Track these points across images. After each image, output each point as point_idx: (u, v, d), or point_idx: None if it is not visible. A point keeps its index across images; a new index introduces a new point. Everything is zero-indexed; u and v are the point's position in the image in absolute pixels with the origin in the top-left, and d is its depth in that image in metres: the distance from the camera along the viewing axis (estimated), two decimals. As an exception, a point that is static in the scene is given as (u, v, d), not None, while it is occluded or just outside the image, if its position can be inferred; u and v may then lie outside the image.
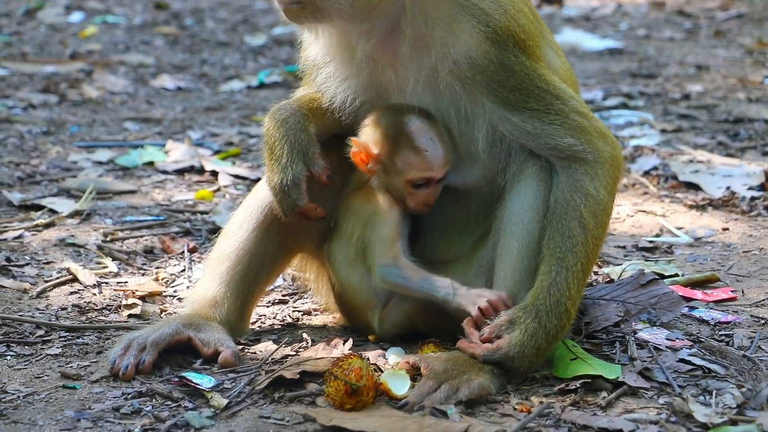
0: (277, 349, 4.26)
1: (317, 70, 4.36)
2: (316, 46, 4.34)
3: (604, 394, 3.90)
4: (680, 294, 4.66)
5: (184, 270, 5.26)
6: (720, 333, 4.43)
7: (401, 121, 4.17)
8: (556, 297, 3.98)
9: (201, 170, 6.89)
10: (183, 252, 5.47)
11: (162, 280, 5.13)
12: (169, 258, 5.45)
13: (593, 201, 4.04)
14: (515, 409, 3.83)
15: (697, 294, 4.82)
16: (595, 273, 5.10)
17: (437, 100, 4.15)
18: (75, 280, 5.06)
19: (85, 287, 5.00)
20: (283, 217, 4.22)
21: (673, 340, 4.31)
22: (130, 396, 3.92)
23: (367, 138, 4.23)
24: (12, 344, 4.37)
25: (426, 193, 4.23)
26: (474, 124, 4.14)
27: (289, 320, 4.72)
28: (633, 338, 4.30)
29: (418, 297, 4.22)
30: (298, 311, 4.81)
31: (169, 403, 3.88)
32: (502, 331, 3.98)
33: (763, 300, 4.79)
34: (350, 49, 4.18)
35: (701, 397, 3.86)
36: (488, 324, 4.00)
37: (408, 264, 4.24)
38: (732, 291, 4.87)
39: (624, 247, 5.52)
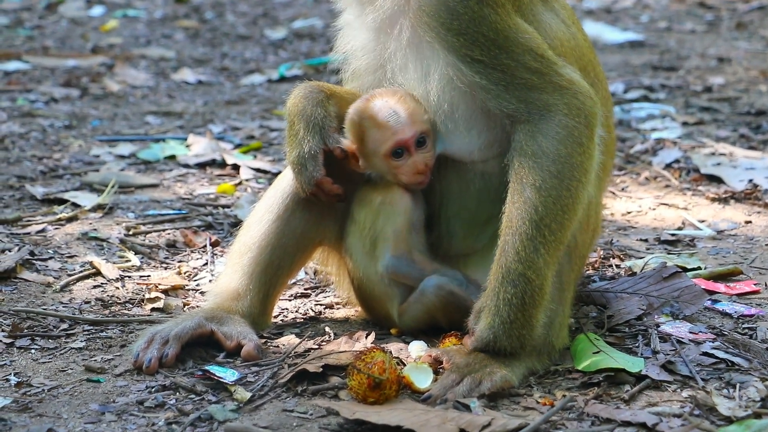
0: (299, 343, 4.27)
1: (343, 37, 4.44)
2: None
3: (627, 387, 3.90)
4: (703, 287, 4.65)
5: (206, 264, 5.28)
6: (743, 326, 4.42)
7: (366, 106, 4.26)
8: (506, 266, 3.93)
9: (222, 164, 6.90)
10: (205, 246, 5.48)
11: (184, 273, 5.15)
12: (192, 252, 5.46)
13: (532, 156, 3.95)
14: (538, 402, 3.83)
15: (720, 287, 4.81)
16: (618, 266, 5.09)
17: (413, 55, 4.16)
18: (98, 273, 5.08)
19: (108, 281, 5.01)
20: (302, 191, 4.27)
21: (696, 333, 4.30)
22: (153, 389, 3.94)
23: (346, 132, 4.32)
24: (36, 338, 4.39)
25: (412, 161, 4.25)
26: (428, 75, 4.14)
27: (312, 314, 4.72)
28: (656, 331, 4.29)
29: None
30: (321, 305, 4.81)
31: (192, 396, 3.90)
32: (476, 321, 3.99)
33: (787, 293, 4.78)
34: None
35: (725, 391, 3.86)
36: None
37: (420, 255, 4.26)
38: (755, 284, 4.85)
39: (646, 240, 5.51)
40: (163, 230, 5.70)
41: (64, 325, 4.51)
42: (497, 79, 3.99)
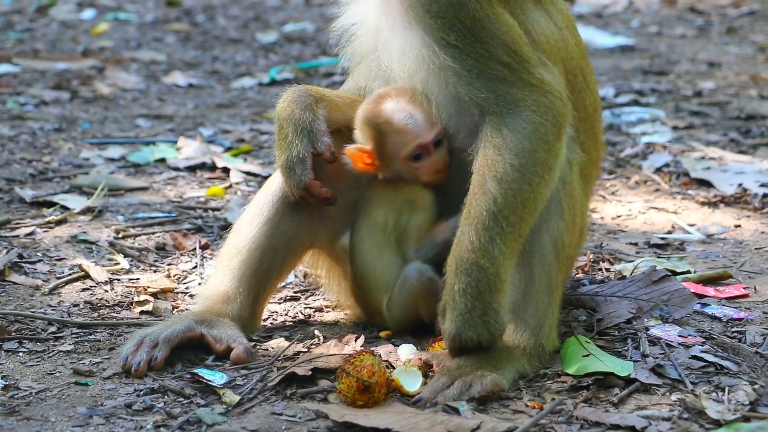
0: (289, 346, 4.27)
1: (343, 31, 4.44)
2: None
3: (616, 390, 3.90)
4: (692, 291, 4.65)
5: (195, 267, 5.27)
6: (732, 330, 4.43)
7: (378, 109, 4.26)
8: (460, 255, 3.93)
9: (213, 167, 6.90)
10: (195, 249, 5.48)
11: (174, 276, 5.14)
12: (181, 255, 5.45)
13: (495, 149, 3.95)
14: (527, 405, 3.83)
15: (710, 291, 4.81)
16: (607, 270, 5.09)
17: (405, 41, 4.15)
18: (87, 276, 5.07)
19: (97, 284, 5.00)
20: (291, 195, 4.28)
21: (686, 337, 4.30)
22: (142, 392, 3.93)
23: (357, 140, 4.31)
24: (24, 341, 4.38)
25: (431, 161, 4.28)
26: (405, 54, 4.14)
27: (301, 317, 4.72)
28: (645, 335, 4.30)
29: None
30: (310, 308, 4.81)
31: (181, 399, 3.89)
32: (443, 320, 4.00)
33: (776, 297, 4.78)
34: None
35: (714, 394, 3.86)
36: None
37: (437, 230, 4.32)
38: (744, 288, 4.85)
39: (636, 244, 5.51)
40: (153, 233, 5.69)
41: (53, 328, 4.50)
42: (470, 66, 3.99)
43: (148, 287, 4.93)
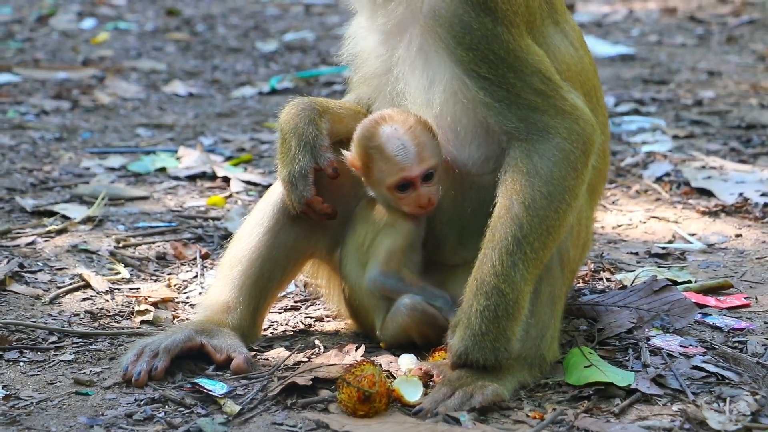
0: (289, 356, 4.26)
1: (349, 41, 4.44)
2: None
3: (617, 401, 3.89)
4: (693, 300, 4.65)
5: (196, 276, 5.27)
6: (733, 340, 4.42)
7: (375, 132, 4.23)
8: (481, 278, 3.93)
9: (213, 176, 6.90)
10: (195, 258, 5.47)
11: (174, 286, 5.14)
12: (182, 264, 5.45)
13: (525, 175, 3.95)
14: (528, 416, 3.82)
15: (711, 300, 4.81)
16: (608, 280, 5.09)
17: (421, 65, 4.15)
18: (87, 286, 5.07)
19: (97, 293, 5.00)
20: (292, 209, 4.29)
21: (687, 347, 4.30)
22: (142, 402, 3.92)
23: (352, 152, 4.31)
24: (25, 350, 4.38)
25: (416, 194, 4.24)
26: (433, 85, 4.13)
27: (302, 326, 4.72)
28: (646, 345, 4.29)
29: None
30: (311, 317, 4.81)
31: (181, 409, 3.88)
32: (452, 335, 3.99)
33: (777, 307, 4.78)
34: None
35: (715, 404, 3.85)
36: None
37: (410, 274, 4.27)
38: (745, 297, 4.85)
39: (637, 254, 5.51)
40: (153, 243, 5.68)
41: (53, 338, 4.50)
42: (501, 97, 3.98)
43: (149, 297, 4.92)
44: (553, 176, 3.96)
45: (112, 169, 7.06)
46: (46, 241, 5.64)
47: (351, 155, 4.30)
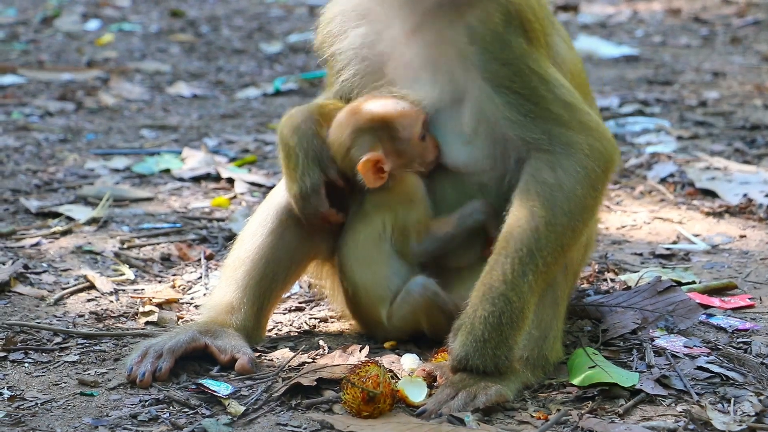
0: (294, 356, 4.27)
1: (329, 53, 4.43)
2: (330, 23, 4.43)
3: (621, 401, 3.89)
4: (697, 301, 4.65)
5: (200, 277, 5.27)
6: (738, 340, 4.42)
7: (369, 111, 4.27)
8: (489, 284, 3.94)
9: (217, 177, 6.90)
10: (199, 259, 5.48)
11: (179, 287, 5.14)
12: (186, 265, 5.46)
13: (549, 188, 3.98)
14: (532, 416, 3.82)
15: (715, 301, 4.81)
16: (612, 280, 5.09)
17: (434, 73, 4.17)
18: (92, 287, 5.07)
19: (102, 294, 5.01)
20: (305, 222, 4.30)
21: (691, 348, 4.30)
22: (147, 403, 3.93)
23: (362, 155, 4.27)
24: (30, 351, 4.38)
25: (430, 138, 4.27)
26: (464, 102, 4.14)
27: (306, 327, 4.72)
28: (650, 345, 4.29)
29: (461, 237, 4.31)
30: (315, 318, 4.81)
31: (186, 410, 3.89)
32: (454, 338, 3.99)
33: (781, 307, 4.78)
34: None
35: (719, 405, 3.85)
36: None
37: (438, 224, 4.31)
38: (750, 298, 4.85)
39: (641, 255, 5.51)
40: (158, 244, 5.69)
41: (58, 339, 4.50)
42: (527, 110, 4.04)
43: (153, 298, 4.93)
44: (575, 194, 4.00)
45: (117, 171, 7.06)
46: (50, 242, 5.65)
47: (361, 150, 4.27)
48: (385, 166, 4.27)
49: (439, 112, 4.22)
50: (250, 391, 4.01)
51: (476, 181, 4.26)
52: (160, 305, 4.88)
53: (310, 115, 4.31)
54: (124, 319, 4.76)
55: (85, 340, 4.50)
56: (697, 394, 3.94)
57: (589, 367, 4.04)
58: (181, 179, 6.89)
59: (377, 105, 4.26)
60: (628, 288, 4.88)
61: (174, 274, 5.33)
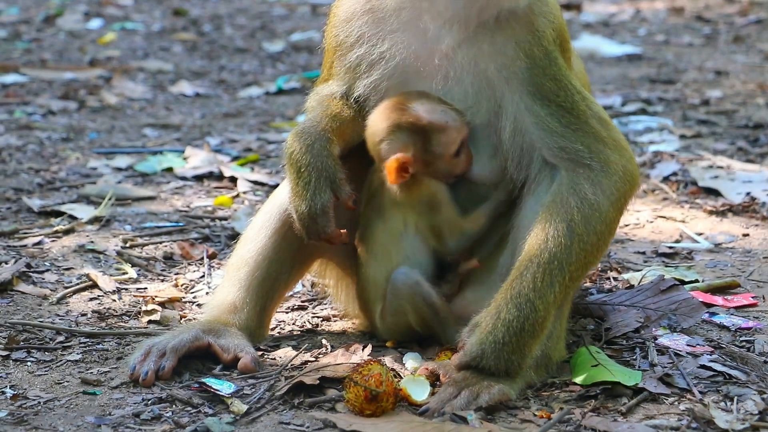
0: (296, 355, 4.26)
1: (347, 50, 4.32)
2: (354, 19, 4.31)
3: (624, 400, 3.89)
4: (700, 300, 4.65)
5: (203, 276, 5.27)
6: (741, 339, 4.42)
7: (414, 114, 4.21)
8: (517, 289, 3.95)
9: (220, 176, 6.90)
10: (202, 258, 5.48)
11: (181, 286, 5.14)
12: (189, 264, 5.46)
13: (589, 206, 4.03)
14: (535, 415, 3.82)
15: (718, 300, 4.81)
16: (615, 279, 5.09)
17: (472, 86, 4.18)
18: (95, 286, 5.07)
19: (104, 293, 5.01)
20: (307, 240, 4.22)
21: (694, 346, 4.30)
22: (150, 402, 3.93)
23: (392, 151, 4.24)
24: (32, 350, 4.38)
25: (465, 153, 4.28)
26: (502, 114, 4.15)
27: (309, 326, 4.72)
28: (653, 344, 4.29)
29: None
30: (318, 317, 4.81)
31: (189, 409, 3.89)
32: (470, 334, 3.99)
33: (784, 306, 4.77)
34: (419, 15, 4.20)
35: (722, 403, 3.85)
36: None
37: (470, 223, 4.33)
38: (753, 297, 4.85)
39: (644, 253, 5.50)
40: (160, 242, 5.69)
41: (61, 338, 4.50)
42: (568, 123, 4.10)
43: (156, 296, 4.93)
44: (609, 217, 4.09)
45: (119, 170, 7.07)
46: (53, 241, 5.65)
47: (402, 150, 4.24)
48: (410, 168, 4.26)
49: (476, 125, 4.23)
50: (253, 389, 4.01)
51: (487, 188, 4.29)
52: (162, 304, 4.88)
53: (324, 134, 4.24)
54: (127, 318, 4.76)
55: (88, 339, 4.50)
56: (700, 392, 3.93)
57: (592, 366, 4.04)
58: (183, 178, 6.89)
59: (424, 109, 4.22)
60: (631, 287, 4.88)
61: (177, 273, 5.33)
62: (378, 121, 4.26)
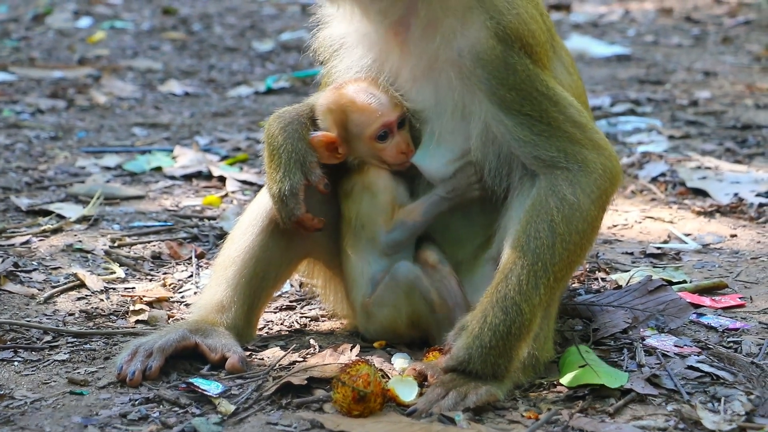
0: (284, 355, 4.26)
1: (332, 53, 4.41)
2: (334, 26, 4.43)
3: (612, 401, 3.89)
4: (688, 300, 4.65)
5: (191, 276, 5.26)
6: (728, 340, 4.42)
7: (340, 93, 4.27)
8: (503, 292, 3.94)
9: (209, 176, 6.90)
10: (190, 258, 5.47)
11: (169, 285, 5.13)
12: (177, 263, 5.45)
13: (569, 206, 4.01)
14: (523, 416, 3.82)
15: (705, 301, 4.81)
16: (603, 280, 5.09)
17: (435, 91, 4.17)
18: (82, 285, 5.06)
19: (92, 293, 5.00)
20: (282, 224, 4.28)
21: (681, 347, 4.30)
22: (137, 402, 3.92)
23: (323, 124, 4.29)
24: (19, 350, 4.37)
25: (395, 142, 4.27)
26: (469, 121, 4.14)
27: (297, 326, 4.71)
28: (641, 345, 4.30)
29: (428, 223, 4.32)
30: (306, 317, 4.80)
31: (176, 409, 3.88)
32: (456, 337, 3.99)
33: (772, 307, 4.78)
34: (367, 27, 4.23)
35: (710, 404, 3.85)
36: None
37: (404, 212, 4.32)
38: (740, 298, 4.85)
39: (632, 254, 5.51)
40: (149, 242, 5.68)
41: (48, 337, 4.49)
42: (540, 131, 4.05)
43: (144, 296, 4.92)
44: (590, 215, 4.05)
45: (108, 169, 7.06)
46: (41, 240, 5.64)
47: (323, 129, 4.29)
48: (339, 149, 4.28)
49: (442, 126, 4.21)
50: (241, 390, 4.01)
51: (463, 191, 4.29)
52: (150, 304, 4.88)
53: (299, 117, 4.30)
54: (115, 318, 4.75)
55: (75, 339, 4.49)
56: (688, 393, 3.94)
57: (579, 366, 4.04)
58: (172, 177, 6.89)
59: (352, 89, 4.27)
60: (619, 287, 4.88)
61: (165, 273, 5.33)
62: (320, 99, 4.33)
